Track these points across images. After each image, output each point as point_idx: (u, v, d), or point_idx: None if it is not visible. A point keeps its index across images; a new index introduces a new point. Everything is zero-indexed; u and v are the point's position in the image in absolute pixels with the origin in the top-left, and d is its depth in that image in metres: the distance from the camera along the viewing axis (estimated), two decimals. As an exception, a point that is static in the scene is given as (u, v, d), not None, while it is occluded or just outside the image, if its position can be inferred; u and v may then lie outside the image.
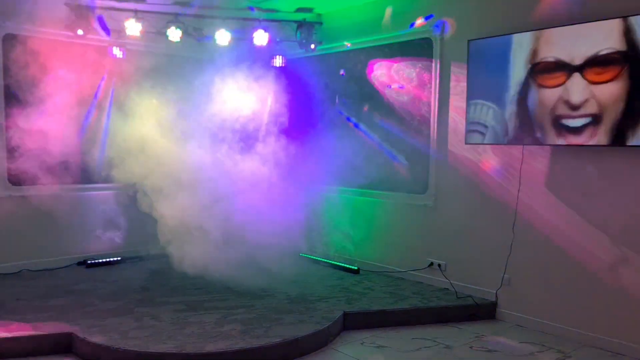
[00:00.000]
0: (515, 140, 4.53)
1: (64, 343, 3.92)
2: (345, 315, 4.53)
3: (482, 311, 4.84)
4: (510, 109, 4.52)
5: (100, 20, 5.58)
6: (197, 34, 5.97)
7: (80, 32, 5.49)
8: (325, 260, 6.25)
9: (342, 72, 6.31)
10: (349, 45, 6.09)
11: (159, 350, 3.67)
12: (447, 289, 5.24)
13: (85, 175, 6.00)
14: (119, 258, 6.21)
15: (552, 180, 4.47)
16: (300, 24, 6.16)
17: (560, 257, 4.42)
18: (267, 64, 6.39)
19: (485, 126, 4.73)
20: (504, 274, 4.78)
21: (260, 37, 6.02)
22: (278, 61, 6.44)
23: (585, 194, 4.25)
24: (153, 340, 3.84)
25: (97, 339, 3.82)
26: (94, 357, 3.77)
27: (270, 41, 6.11)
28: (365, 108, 6.04)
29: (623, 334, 4.06)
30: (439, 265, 5.35)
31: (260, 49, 6.13)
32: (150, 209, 5.70)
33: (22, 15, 5.48)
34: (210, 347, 3.73)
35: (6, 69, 5.46)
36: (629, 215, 4.02)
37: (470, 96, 4.83)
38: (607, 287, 4.15)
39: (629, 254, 4.03)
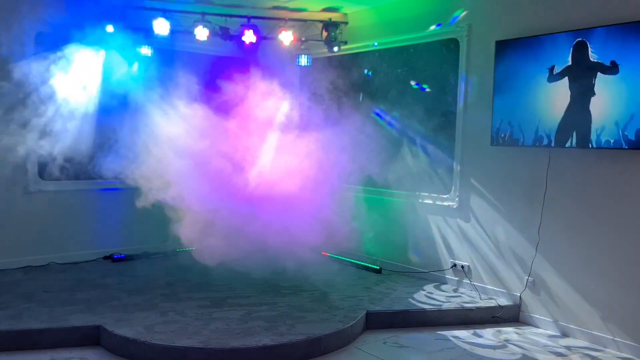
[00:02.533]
0: (541, 143, 4.49)
1: (92, 335, 4.00)
2: (368, 314, 4.54)
3: (505, 313, 4.80)
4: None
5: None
6: (223, 33, 6.03)
7: (108, 26, 5.59)
8: (348, 259, 6.26)
9: (367, 71, 6.31)
10: (376, 44, 6.06)
11: (185, 345, 3.72)
12: (471, 291, 5.21)
13: (111, 172, 6.07)
14: (143, 253, 6.29)
15: (579, 183, 4.41)
16: (326, 24, 6.18)
17: (586, 261, 4.36)
18: (293, 63, 6.43)
19: (512, 128, 4.69)
20: (529, 276, 4.74)
21: (286, 37, 6.07)
22: (303, 60, 6.47)
23: (613, 196, 4.19)
24: (178, 335, 3.89)
25: (124, 332, 3.89)
26: (121, 349, 3.84)
27: (295, 40, 6.15)
28: (390, 107, 6.04)
29: (651, 340, 4.00)
30: (462, 266, 5.32)
31: (286, 48, 6.17)
32: (174, 205, 5.78)
33: (52, 15, 5.59)
34: (235, 343, 3.77)
35: (39, 69, 5.55)
36: (659, 220, 3.96)
37: (497, 97, 4.79)
38: (635, 291, 4.08)
39: (658, 259, 3.97)
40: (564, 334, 4.48)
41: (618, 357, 4.07)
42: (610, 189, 4.22)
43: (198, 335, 3.90)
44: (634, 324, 4.09)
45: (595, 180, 4.31)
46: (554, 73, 4.35)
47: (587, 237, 4.36)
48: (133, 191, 5.99)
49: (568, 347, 4.23)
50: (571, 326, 4.45)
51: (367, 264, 6.04)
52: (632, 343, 4.08)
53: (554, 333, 4.54)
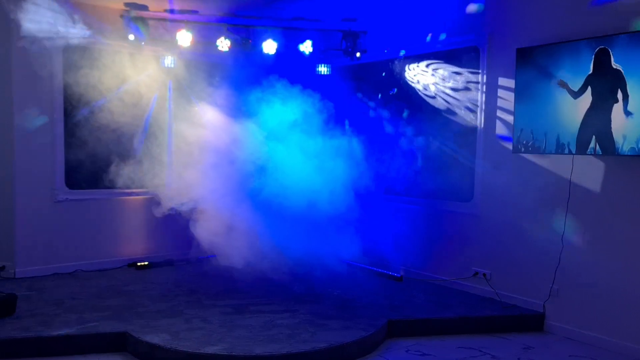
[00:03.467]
0: (563, 150, 4.47)
1: (119, 342, 4.09)
2: (390, 322, 4.55)
3: (529, 322, 4.77)
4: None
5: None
6: (245, 44, 6.13)
7: (131, 37, 5.72)
8: (369, 267, 6.27)
9: (387, 79, 6.34)
10: (402, 53, 6.06)
11: (210, 351, 3.78)
12: (493, 298, 5.19)
13: (136, 180, 6.19)
14: (167, 260, 6.39)
15: (603, 190, 4.38)
16: (346, 33, 6.24)
17: (611, 269, 4.32)
18: (313, 72, 6.51)
19: (533, 134, 4.69)
20: (553, 284, 4.70)
21: (307, 46, 6.15)
22: (323, 69, 6.54)
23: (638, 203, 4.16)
24: (203, 341, 3.95)
25: (150, 338, 3.97)
26: (147, 356, 3.92)
27: (315, 50, 6.23)
28: (412, 115, 6.06)
29: (679, 350, 3.95)
30: (484, 274, 5.30)
31: (306, 57, 6.26)
32: (198, 213, 5.89)
33: (80, 27, 5.75)
34: (259, 350, 3.82)
35: (66, 80, 5.74)
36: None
37: (518, 104, 4.79)
38: (662, 301, 4.04)
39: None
40: (589, 344, 4.43)
41: (645, 367, 4.03)
42: (636, 195, 4.18)
43: (222, 342, 3.96)
44: (661, 333, 4.04)
45: (620, 187, 4.27)
46: (576, 90, 4.33)
47: (613, 244, 4.32)
48: (156, 199, 6.13)
49: (593, 358, 4.19)
50: (597, 336, 4.40)
51: (389, 272, 6.04)
52: (659, 353, 4.03)
53: (579, 342, 4.49)
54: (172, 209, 6.10)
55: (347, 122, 6.52)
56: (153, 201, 6.15)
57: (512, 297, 5.05)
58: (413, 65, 6.03)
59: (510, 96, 4.92)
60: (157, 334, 4.08)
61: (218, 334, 4.13)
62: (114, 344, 4.09)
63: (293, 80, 6.18)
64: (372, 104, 6.49)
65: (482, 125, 5.30)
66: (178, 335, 4.07)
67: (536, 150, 4.67)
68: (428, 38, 5.81)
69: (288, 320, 4.50)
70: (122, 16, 5.80)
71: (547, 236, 4.75)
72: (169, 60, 6.11)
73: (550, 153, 4.59)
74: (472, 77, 5.40)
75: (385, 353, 4.21)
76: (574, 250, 4.57)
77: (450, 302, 5.11)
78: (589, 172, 4.46)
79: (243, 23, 6.12)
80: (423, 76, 5.91)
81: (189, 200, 5.75)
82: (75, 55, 5.76)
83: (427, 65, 5.86)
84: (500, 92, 5.12)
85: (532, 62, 4.66)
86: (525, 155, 4.87)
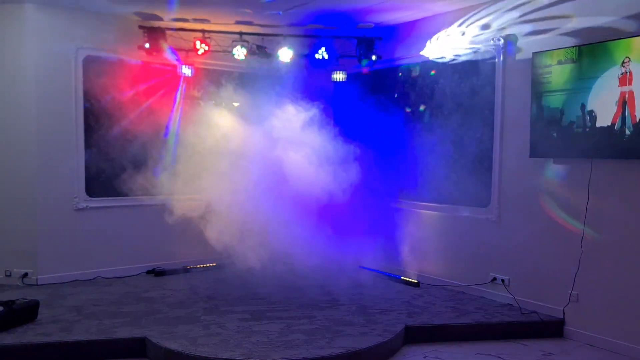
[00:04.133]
0: (582, 154, 4.43)
1: (138, 347, 4.14)
2: (407, 328, 4.53)
3: (548, 328, 4.72)
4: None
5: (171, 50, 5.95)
6: (260, 52, 6.19)
7: (147, 45, 5.83)
8: (385, 273, 6.26)
9: (404, 85, 6.35)
10: (428, 57, 6.04)
11: (228, 357, 3.80)
12: (511, 304, 5.14)
13: (153, 188, 6.26)
14: (185, 267, 6.46)
15: (623, 194, 4.32)
16: (360, 40, 6.27)
17: (632, 274, 4.26)
18: (329, 79, 6.55)
19: (551, 139, 4.65)
20: (572, 290, 4.65)
21: (322, 53, 6.20)
22: (339, 76, 6.58)
23: (660, 209, 4.10)
24: (221, 347, 3.98)
25: (169, 344, 4.01)
26: (166, 361, 3.96)
27: (331, 57, 6.27)
28: (428, 121, 6.05)
29: (703, 356, 3.87)
30: (502, 280, 5.26)
31: (321, 64, 6.31)
32: (214, 221, 5.92)
33: (99, 38, 5.88)
34: (276, 356, 3.83)
35: (86, 90, 5.86)
36: None
37: (535, 110, 4.77)
38: (685, 307, 3.97)
39: None
40: (610, 350, 4.36)
41: (668, 374, 3.95)
42: (655, 200, 4.13)
43: (240, 347, 3.99)
44: (685, 339, 3.96)
45: (638, 191, 4.22)
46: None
47: (634, 249, 4.26)
48: (172, 206, 6.19)
49: (615, 363, 4.14)
50: (617, 342, 4.33)
51: (405, 278, 6.02)
52: (683, 359, 3.96)
53: (599, 348, 4.43)
54: (187, 215, 6.16)
55: (361, 127, 6.52)
56: (169, 208, 6.22)
57: (531, 303, 5.00)
58: (425, 67, 6.03)
59: (527, 102, 4.89)
60: (176, 339, 4.12)
61: (235, 339, 4.16)
62: (133, 350, 4.14)
63: (309, 87, 6.22)
64: (388, 109, 6.49)
65: (499, 130, 5.27)
66: (196, 341, 4.11)
67: (553, 154, 4.64)
68: (442, 46, 5.81)
69: (305, 326, 4.51)
70: (139, 26, 5.91)
71: (566, 241, 4.69)
72: (186, 70, 6.21)
73: (569, 157, 4.56)
74: (489, 84, 5.37)
75: (403, 359, 4.20)
76: (594, 255, 4.51)
77: (468, 308, 5.08)
78: (607, 176, 4.41)
79: (258, 32, 6.19)
80: (438, 77, 5.91)
81: (203, 207, 5.79)
82: (95, 65, 5.88)
83: (443, 71, 5.86)
84: (516, 98, 5.09)
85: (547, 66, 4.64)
86: (542, 159, 4.83)
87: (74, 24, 5.77)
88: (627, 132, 4.16)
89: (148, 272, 6.32)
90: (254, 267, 5.97)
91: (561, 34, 4.71)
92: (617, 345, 4.34)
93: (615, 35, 4.27)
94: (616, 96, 4.21)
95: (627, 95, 4.15)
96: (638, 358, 4.19)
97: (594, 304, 4.52)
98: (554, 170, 4.82)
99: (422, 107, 6.09)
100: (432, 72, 5.97)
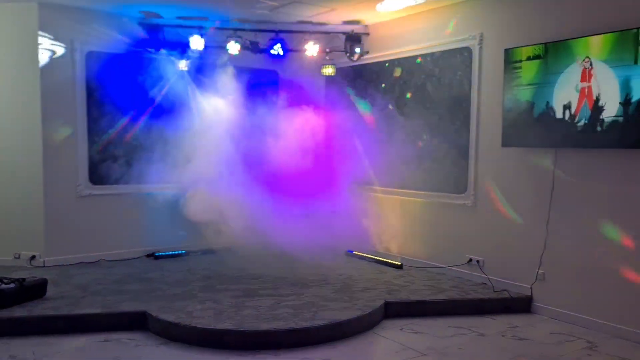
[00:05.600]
0: (548, 143, 4.81)
1: (139, 320, 4.52)
2: (387, 304, 4.93)
3: (517, 304, 5.12)
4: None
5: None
6: (253, 47, 6.54)
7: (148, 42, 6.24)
8: (370, 256, 6.66)
9: (387, 79, 6.71)
10: (420, 60, 6.37)
11: (220, 327, 4.20)
12: (485, 283, 5.54)
13: (153, 176, 6.64)
14: (183, 251, 6.84)
15: (584, 181, 4.71)
16: (349, 36, 6.62)
17: (591, 254, 4.66)
18: (318, 73, 6.93)
19: (521, 130, 5.03)
20: (539, 269, 5.05)
21: (311, 49, 6.56)
22: (328, 70, 6.95)
23: (614, 192, 4.49)
24: (215, 319, 4.38)
25: (167, 317, 4.40)
26: (164, 332, 4.35)
27: (320, 51, 6.64)
28: (410, 112, 6.41)
29: (652, 327, 4.28)
30: (478, 261, 5.66)
31: (312, 58, 6.69)
32: (207, 207, 6.32)
33: (100, 34, 6.24)
34: (265, 327, 4.23)
35: (89, 82, 6.22)
36: (658, 214, 4.24)
37: (506, 102, 5.14)
38: (637, 282, 4.36)
39: (657, 251, 4.24)
40: (571, 322, 4.76)
41: (618, 343, 4.35)
42: (611, 186, 4.51)
43: (232, 319, 4.38)
44: (636, 313, 4.36)
45: (598, 178, 4.61)
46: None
47: (593, 231, 4.65)
48: (173, 194, 6.59)
49: (572, 335, 4.53)
50: (579, 315, 4.74)
51: (389, 261, 6.42)
52: (633, 329, 4.36)
53: (561, 321, 4.83)
54: (184, 202, 6.53)
55: (342, 116, 6.92)
56: (169, 195, 6.60)
57: (503, 281, 5.39)
58: (407, 62, 6.40)
59: (500, 93, 5.26)
60: (174, 313, 4.51)
61: (228, 313, 4.55)
62: (135, 322, 4.51)
63: (296, 81, 6.60)
64: (370, 100, 6.86)
65: (475, 120, 5.64)
66: (192, 314, 4.50)
67: (523, 144, 5.03)
68: (425, 40, 6.16)
69: (293, 302, 4.91)
70: (139, 23, 6.26)
71: (534, 224, 5.08)
72: (183, 64, 6.57)
73: (535, 146, 4.94)
74: (466, 75, 5.74)
75: (380, 331, 4.60)
76: (558, 236, 4.90)
77: (444, 287, 5.48)
78: (570, 164, 4.79)
79: (251, 28, 6.54)
80: (420, 71, 6.27)
81: (198, 194, 6.20)
82: (97, 58, 6.24)
83: (425, 65, 6.23)
84: (491, 90, 5.46)
85: (517, 61, 5.01)
86: (513, 148, 5.21)
87: (77, 20, 6.12)
88: (584, 123, 4.53)
89: (148, 255, 6.70)
90: (249, 252, 6.40)
91: (530, 32, 5.07)
92: (577, 318, 4.75)
93: (577, 34, 4.63)
94: (578, 90, 4.59)
95: (587, 90, 4.53)
96: (595, 328, 4.59)
97: (558, 281, 4.92)
98: (523, 159, 5.19)
99: (408, 95, 6.42)
100: (419, 60, 6.31)
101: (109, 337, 4.34)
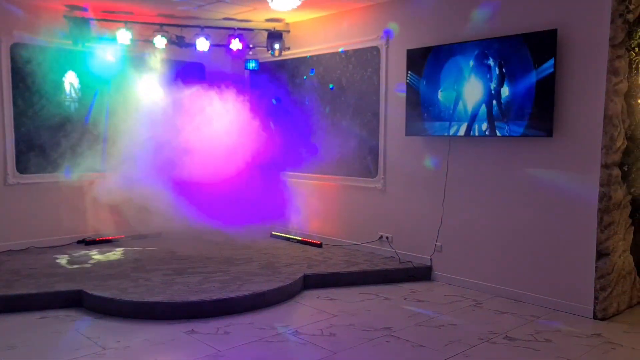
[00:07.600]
0: (441, 132, 5.56)
1: (75, 298, 4.83)
2: (306, 276, 5.51)
3: (419, 273, 5.86)
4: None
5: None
6: (179, 42, 6.87)
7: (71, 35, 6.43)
8: (294, 237, 7.23)
9: (307, 73, 7.27)
10: (343, 50, 6.93)
11: (153, 300, 4.62)
12: (393, 257, 6.25)
13: (80, 165, 6.85)
14: (113, 237, 7.10)
15: (470, 165, 5.49)
16: (271, 33, 7.10)
17: (480, 226, 5.46)
18: (242, 67, 7.38)
19: (419, 121, 5.74)
20: (436, 242, 5.81)
21: (236, 44, 6.98)
22: (251, 65, 7.41)
23: (496, 175, 5.30)
24: (147, 294, 4.78)
25: (102, 293, 4.75)
26: (100, 308, 4.70)
27: (244, 47, 7.07)
28: (326, 104, 7.01)
29: (524, 285, 5.12)
30: (387, 237, 6.36)
31: (235, 54, 7.12)
32: (137, 194, 6.66)
33: (26, 26, 6.35)
34: (194, 298, 4.69)
35: (14, 75, 6.34)
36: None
37: (409, 96, 5.84)
38: (514, 248, 5.19)
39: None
40: (464, 287, 5.56)
41: (499, 300, 5.16)
42: (492, 170, 5.32)
43: (163, 294, 4.80)
44: (513, 275, 5.20)
45: (481, 162, 5.40)
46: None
47: (480, 206, 5.44)
48: (103, 182, 6.84)
49: (463, 296, 5.31)
50: (469, 280, 5.54)
51: (310, 240, 7.02)
52: (511, 288, 5.19)
53: (456, 286, 5.61)
54: (111, 191, 6.80)
55: (266, 107, 7.45)
56: (95, 184, 6.85)
57: (409, 254, 6.12)
58: (325, 58, 6.99)
59: (404, 88, 5.95)
60: (108, 290, 4.86)
61: (160, 288, 4.96)
62: (70, 301, 4.81)
63: (222, 73, 7.02)
64: (291, 92, 7.41)
65: (384, 113, 6.31)
66: (126, 290, 4.87)
67: (423, 133, 5.75)
68: (341, 38, 6.76)
69: (220, 277, 5.38)
70: (64, 16, 6.43)
71: (433, 203, 5.83)
72: (110, 56, 6.80)
73: (432, 135, 5.67)
74: (375, 72, 6.39)
75: (300, 300, 5.17)
76: (452, 213, 5.68)
77: (358, 261, 6.14)
78: (460, 151, 5.56)
79: (178, 23, 6.87)
80: (335, 67, 6.87)
81: (125, 183, 6.53)
82: (22, 50, 6.35)
83: (340, 61, 6.83)
84: (397, 85, 6.15)
85: (419, 61, 5.71)
86: (414, 137, 5.92)
87: (2, 12, 6.21)
88: (459, 116, 5.31)
89: (79, 242, 6.91)
90: (177, 236, 6.80)
91: (423, 36, 5.80)
92: (467, 282, 5.55)
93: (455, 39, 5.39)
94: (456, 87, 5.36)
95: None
96: (483, 290, 5.40)
97: (453, 252, 5.70)
98: (423, 147, 5.92)
99: (325, 89, 7.02)
100: (335, 56, 6.90)
101: (45, 314, 4.63)
